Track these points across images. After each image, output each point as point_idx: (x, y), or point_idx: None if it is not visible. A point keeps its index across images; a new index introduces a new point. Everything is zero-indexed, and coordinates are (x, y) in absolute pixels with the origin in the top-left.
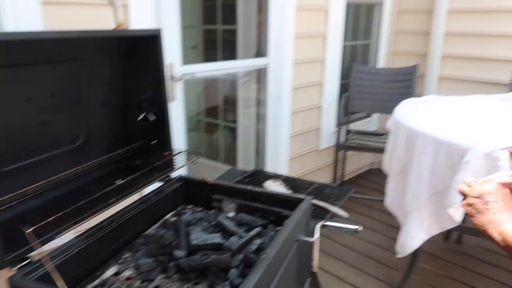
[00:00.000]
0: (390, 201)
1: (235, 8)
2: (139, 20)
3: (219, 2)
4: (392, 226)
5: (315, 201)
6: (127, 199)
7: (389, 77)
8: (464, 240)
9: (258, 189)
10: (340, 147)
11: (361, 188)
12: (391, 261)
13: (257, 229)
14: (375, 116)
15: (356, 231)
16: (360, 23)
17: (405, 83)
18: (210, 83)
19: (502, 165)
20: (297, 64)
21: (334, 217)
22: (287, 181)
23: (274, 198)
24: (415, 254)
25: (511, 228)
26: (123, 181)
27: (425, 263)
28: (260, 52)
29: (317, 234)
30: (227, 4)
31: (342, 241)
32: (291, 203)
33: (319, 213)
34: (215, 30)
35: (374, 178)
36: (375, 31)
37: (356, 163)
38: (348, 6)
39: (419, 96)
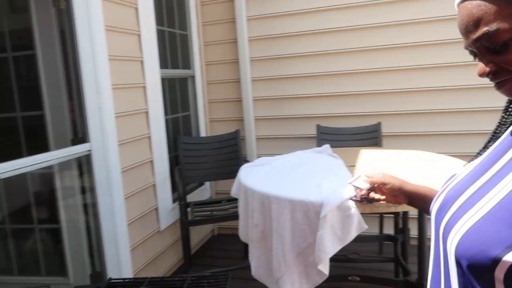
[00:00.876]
0: (256, 270)
1: (39, 91)
2: None
3: (15, 84)
4: None
5: None
6: None
7: (215, 144)
8: None
9: None
10: (187, 224)
11: (210, 259)
12: None
13: None
14: (207, 184)
15: None
16: (178, 96)
17: (231, 148)
18: (14, 182)
19: (354, 213)
20: (123, 144)
21: None
22: (154, 284)
23: None
24: None
25: None
26: None
27: None
28: (79, 137)
29: None
30: (26, 86)
31: None
32: None
33: None
34: (13, 118)
35: (219, 246)
36: (192, 102)
37: (199, 234)
38: (164, 81)
39: (245, 157)
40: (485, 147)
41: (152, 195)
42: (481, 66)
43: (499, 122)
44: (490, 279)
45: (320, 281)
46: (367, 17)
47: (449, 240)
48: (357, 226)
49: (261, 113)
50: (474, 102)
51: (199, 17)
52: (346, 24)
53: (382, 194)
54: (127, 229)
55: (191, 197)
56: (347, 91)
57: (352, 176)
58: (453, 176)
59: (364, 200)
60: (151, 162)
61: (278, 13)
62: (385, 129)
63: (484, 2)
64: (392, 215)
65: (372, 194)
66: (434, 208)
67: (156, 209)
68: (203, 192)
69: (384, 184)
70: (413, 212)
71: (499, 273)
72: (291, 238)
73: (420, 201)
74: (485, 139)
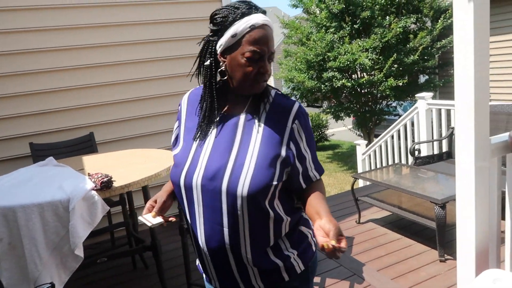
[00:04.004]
0: (9, 281)
1: None
2: None
3: None
4: None
5: None
6: None
7: None
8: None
9: None
10: None
11: None
12: None
13: None
14: None
15: None
16: None
17: None
18: None
19: (97, 200)
20: None
21: None
22: None
23: None
24: None
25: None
26: None
27: None
28: None
29: None
30: None
31: None
32: None
33: None
34: None
35: None
36: None
37: None
38: None
39: None
40: (206, 131)
41: None
42: (268, 67)
43: (207, 114)
44: (267, 195)
45: (77, 266)
46: (73, 38)
47: (239, 189)
48: (101, 209)
49: None
50: (165, 107)
51: None
52: (55, 44)
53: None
54: None
55: None
56: (57, 108)
57: (89, 178)
58: (180, 157)
59: (104, 187)
60: None
61: None
62: (98, 138)
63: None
64: (120, 210)
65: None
66: (197, 180)
67: None
68: None
69: (162, 203)
70: (139, 203)
71: (270, 190)
72: (44, 237)
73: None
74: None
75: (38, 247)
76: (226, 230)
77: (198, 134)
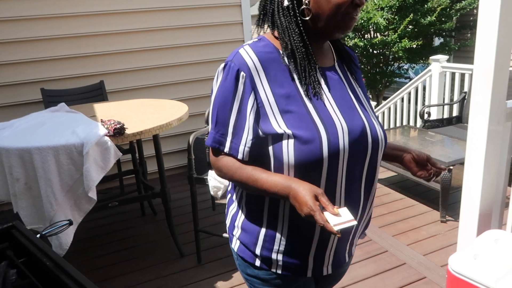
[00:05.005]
0: (26, 219)
1: None
2: None
3: None
4: None
5: None
6: None
7: None
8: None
9: None
10: None
11: None
12: None
13: None
14: None
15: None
16: None
17: None
18: None
19: (110, 146)
20: None
21: None
22: None
23: None
24: None
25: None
26: None
27: None
28: None
29: None
30: None
31: None
32: None
33: None
34: None
35: None
36: None
37: None
38: None
39: None
40: (317, 88)
41: None
42: None
43: (307, 69)
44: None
45: (90, 207)
46: None
47: (380, 145)
48: (114, 155)
49: None
50: (176, 59)
51: None
52: None
53: None
54: None
55: None
56: (68, 54)
57: (102, 124)
58: (303, 131)
59: (116, 134)
60: None
61: None
62: (108, 86)
63: None
64: (130, 159)
65: None
66: (344, 145)
67: None
68: None
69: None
70: (148, 152)
71: None
72: (59, 179)
73: None
74: (184, 86)
75: (53, 188)
76: (362, 194)
77: (307, 94)
